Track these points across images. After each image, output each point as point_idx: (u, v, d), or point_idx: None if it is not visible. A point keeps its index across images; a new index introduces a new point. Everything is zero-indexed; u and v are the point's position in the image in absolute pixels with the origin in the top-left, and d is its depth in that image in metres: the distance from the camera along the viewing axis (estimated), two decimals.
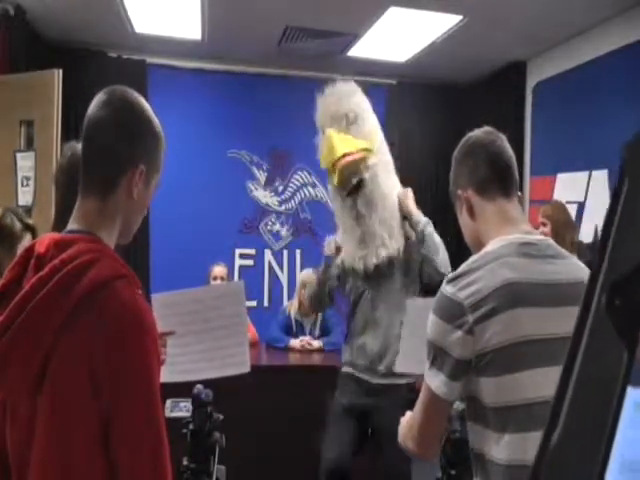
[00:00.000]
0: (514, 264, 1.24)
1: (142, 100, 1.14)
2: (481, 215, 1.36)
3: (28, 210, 3.54)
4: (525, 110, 4.95)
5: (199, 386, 1.99)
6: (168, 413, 1.89)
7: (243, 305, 2.04)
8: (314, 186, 5.40)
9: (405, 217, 2.51)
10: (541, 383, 1.19)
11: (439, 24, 4.12)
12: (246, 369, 1.99)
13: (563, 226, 3.38)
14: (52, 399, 0.97)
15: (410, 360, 2.03)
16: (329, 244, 2.62)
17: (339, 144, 2.40)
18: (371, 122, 2.53)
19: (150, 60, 4.94)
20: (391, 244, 2.43)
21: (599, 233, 3.71)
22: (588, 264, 1.39)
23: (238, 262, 5.23)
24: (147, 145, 1.11)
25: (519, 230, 1.32)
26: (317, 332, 4.01)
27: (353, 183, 2.44)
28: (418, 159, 5.43)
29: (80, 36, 4.64)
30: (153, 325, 1.04)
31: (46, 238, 1.06)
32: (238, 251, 5.23)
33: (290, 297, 4.84)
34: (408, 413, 1.39)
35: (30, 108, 3.82)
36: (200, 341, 1.95)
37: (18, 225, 1.96)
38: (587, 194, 4.11)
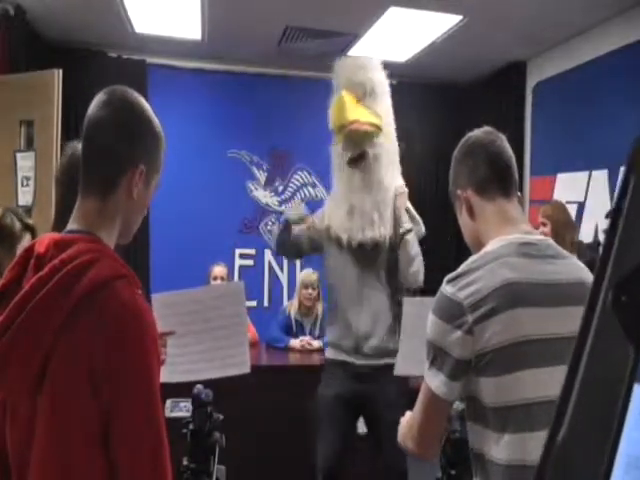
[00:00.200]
0: (514, 264, 1.24)
1: (142, 100, 1.14)
2: (481, 215, 1.36)
3: (28, 210, 3.54)
4: (525, 110, 4.95)
5: (199, 386, 1.99)
6: (168, 413, 1.89)
7: (243, 305, 2.04)
8: (314, 186, 5.40)
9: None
10: (541, 383, 1.19)
11: (439, 24, 4.11)
12: (246, 369, 1.99)
13: (563, 226, 3.38)
14: (52, 399, 0.97)
15: (410, 362, 2.03)
16: (296, 207, 2.57)
17: (351, 109, 2.36)
18: (386, 103, 2.50)
19: (150, 60, 4.94)
20: (378, 228, 2.39)
21: (599, 233, 3.73)
22: (588, 264, 1.40)
23: (238, 262, 5.23)
24: (147, 145, 1.11)
25: (519, 230, 1.32)
26: (317, 332, 4.00)
27: (355, 153, 2.41)
28: (418, 159, 5.42)
29: (80, 36, 4.64)
30: (153, 325, 1.04)
31: (46, 238, 1.06)
32: (238, 251, 5.23)
33: (290, 297, 4.84)
34: (408, 413, 1.39)
35: (30, 108, 3.81)
36: (200, 341, 1.95)
37: (18, 225, 1.96)
38: (587, 194, 4.11)
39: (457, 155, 1.42)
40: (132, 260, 4.52)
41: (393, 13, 3.93)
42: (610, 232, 0.37)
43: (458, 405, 1.73)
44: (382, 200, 2.41)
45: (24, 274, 1.03)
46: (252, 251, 5.24)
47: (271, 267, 5.32)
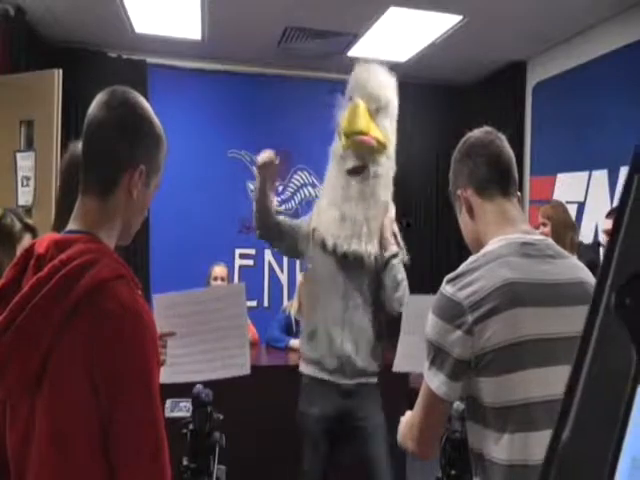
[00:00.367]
0: (514, 264, 1.24)
1: (143, 100, 1.14)
2: (481, 215, 1.36)
3: (28, 210, 3.54)
4: (525, 110, 4.95)
5: (199, 386, 1.99)
6: (168, 413, 1.89)
7: (244, 307, 2.04)
8: (314, 186, 5.40)
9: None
10: (541, 383, 1.19)
11: (439, 24, 4.12)
12: (246, 371, 1.99)
13: (563, 226, 3.38)
14: (52, 399, 0.97)
15: (408, 358, 2.03)
16: (269, 155, 2.49)
17: (365, 119, 2.34)
18: (394, 124, 2.48)
19: (150, 60, 4.94)
20: (365, 243, 2.35)
21: (599, 233, 3.71)
22: (588, 265, 1.40)
23: (238, 262, 5.23)
24: (147, 145, 1.11)
25: (519, 230, 1.32)
26: None
27: (357, 164, 2.39)
28: (418, 159, 5.43)
29: (80, 36, 4.65)
30: (152, 325, 1.04)
31: (46, 238, 1.06)
32: (238, 251, 5.23)
33: (290, 297, 4.84)
34: (408, 412, 1.39)
35: (30, 108, 3.82)
36: (201, 342, 1.95)
37: (18, 225, 1.96)
38: (587, 194, 4.11)
39: (457, 155, 1.42)
40: (132, 260, 4.52)
41: (393, 13, 3.93)
42: (613, 233, 0.37)
43: (458, 405, 1.73)
44: (374, 217, 2.38)
45: (24, 274, 1.03)
46: (252, 251, 5.24)
47: (271, 267, 5.32)
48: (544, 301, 1.22)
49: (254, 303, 5.07)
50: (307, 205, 5.39)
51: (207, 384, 2.00)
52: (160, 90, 4.84)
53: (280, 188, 5.37)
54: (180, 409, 1.95)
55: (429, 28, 4.19)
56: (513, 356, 1.19)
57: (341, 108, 2.47)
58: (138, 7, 4.01)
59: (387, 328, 2.47)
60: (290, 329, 4.00)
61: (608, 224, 3.14)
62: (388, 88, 2.45)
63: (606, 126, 3.92)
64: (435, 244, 5.62)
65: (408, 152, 5.44)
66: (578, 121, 4.24)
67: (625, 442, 0.34)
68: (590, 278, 1.31)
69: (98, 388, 0.96)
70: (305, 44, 4.66)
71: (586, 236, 3.91)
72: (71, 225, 1.09)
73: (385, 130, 2.41)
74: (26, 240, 1.90)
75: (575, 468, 0.36)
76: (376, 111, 2.39)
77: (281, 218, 2.54)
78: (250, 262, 5.25)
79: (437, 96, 5.54)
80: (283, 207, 5.36)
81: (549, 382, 1.18)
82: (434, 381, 1.23)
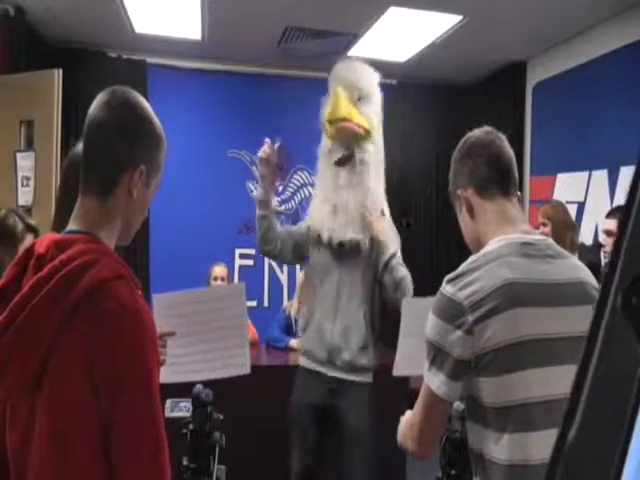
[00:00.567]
0: (514, 264, 1.24)
1: (143, 101, 1.14)
2: (481, 215, 1.36)
3: (28, 210, 3.54)
4: (525, 110, 4.95)
5: (199, 386, 1.99)
6: (168, 413, 1.89)
7: (244, 307, 2.04)
8: (314, 186, 5.38)
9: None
10: (541, 383, 1.19)
11: (439, 24, 4.11)
12: (246, 370, 1.99)
13: (563, 226, 3.38)
14: (51, 399, 0.97)
15: (409, 362, 2.03)
16: (270, 149, 2.50)
17: (346, 106, 2.36)
18: (377, 111, 2.50)
19: (150, 60, 4.94)
20: (360, 230, 2.36)
21: (599, 233, 3.71)
22: (589, 265, 1.40)
23: (238, 262, 5.23)
24: (147, 145, 1.11)
25: (519, 230, 1.32)
26: None
27: (343, 153, 2.41)
28: (418, 159, 5.43)
29: (80, 36, 4.65)
30: (152, 325, 1.04)
31: (46, 238, 1.07)
32: (238, 251, 5.23)
33: (290, 297, 4.84)
34: (408, 412, 1.39)
35: (30, 108, 3.82)
36: (201, 342, 1.95)
37: (20, 226, 1.96)
38: (587, 194, 4.11)
39: (457, 155, 1.42)
40: (132, 260, 4.52)
41: (393, 13, 3.93)
42: (619, 232, 0.37)
43: (458, 405, 1.73)
44: (364, 202, 2.38)
45: (24, 274, 1.03)
46: (252, 251, 5.24)
47: (271, 267, 5.32)
48: (544, 301, 1.22)
49: (254, 303, 5.07)
50: (307, 205, 5.39)
51: (207, 384, 2.00)
52: (160, 90, 4.83)
53: (280, 188, 5.36)
54: (180, 409, 1.95)
55: (429, 28, 4.19)
56: (513, 356, 1.19)
57: (325, 105, 2.50)
58: (138, 7, 4.01)
59: (385, 327, 2.46)
60: (290, 329, 4.00)
61: (608, 224, 3.14)
62: (369, 79, 2.47)
63: (606, 126, 3.92)
64: (435, 244, 5.62)
65: (408, 152, 5.46)
66: (578, 121, 4.24)
67: (632, 444, 0.34)
68: (590, 278, 1.31)
69: (98, 388, 0.96)
70: (305, 44, 4.66)
71: (586, 236, 3.91)
72: (71, 225, 1.09)
73: (369, 118, 2.43)
74: (28, 240, 1.91)
75: (581, 468, 0.36)
76: (358, 99, 2.42)
77: (282, 230, 2.55)
78: (250, 262, 5.25)
79: (437, 96, 5.54)
80: (283, 207, 5.36)
81: (549, 382, 1.18)
82: (434, 381, 1.23)
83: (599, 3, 3.70)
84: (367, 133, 2.41)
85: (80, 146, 1.20)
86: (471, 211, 1.37)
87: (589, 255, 3.30)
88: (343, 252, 2.40)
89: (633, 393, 0.34)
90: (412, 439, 1.33)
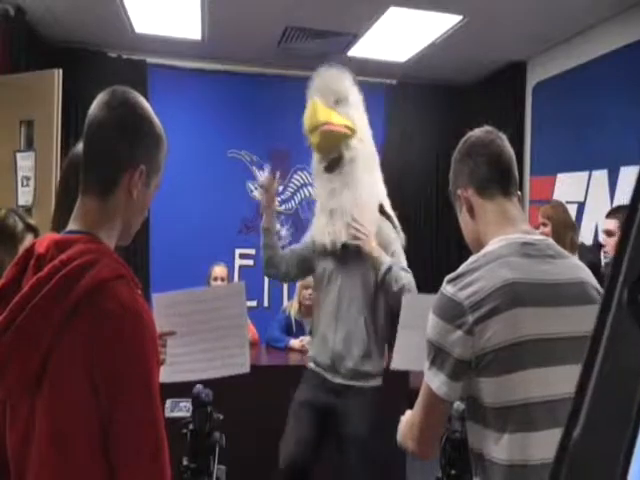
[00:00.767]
0: (514, 264, 1.24)
1: (143, 101, 1.14)
2: (481, 215, 1.36)
3: (28, 210, 3.54)
4: (525, 110, 4.95)
5: (199, 386, 1.99)
6: (168, 413, 1.89)
7: (244, 306, 2.04)
8: (314, 186, 5.40)
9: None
10: (541, 383, 1.19)
11: (439, 24, 4.12)
12: (246, 370, 1.99)
13: (563, 226, 3.38)
14: (51, 399, 0.97)
15: (406, 357, 2.03)
16: (268, 182, 2.53)
17: (323, 111, 2.38)
18: (359, 109, 2.50)
19: (150, 60, 4.95)
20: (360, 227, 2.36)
21: (599, 233, 3.71)
22: (589, 265, 1.40)
23: (238, 262, 5.23)
24: (147, 145, 1.11)
25: (519, 230, 1.32)
26: None
27: (331, 157, 2.42)
28: (418, 159, 5.43)
29: (80, 36, 4.65)
30: (152, 325, 1.04)
31: (46, 238, 1.07)
32: (238, 251, 5.23)
33: (290, 297, 4.84)
34: (408, 412, 1.39)
35: (30, 108, 3.82)
36: (201, 341, 1.95)
37: (21, 226, 1.96)
38: (587, 194, 4.11)
39: (457, 155, 1.42)
40: (132, 260, 4.52)
41: (393, 13, 3.93)
42: (624, 229, 0.37)
43: (458, 405, 1.73)
44: (360, 198, 2.39)
45: (24, 274, 1.03)
46: (252, 251, 5.24)
47: None
48: (544, 301, 1.22)
49: (254, 303, 5.07)
50: (307, 205, 5.39)
51: (207, 384, 2.00)
52: (160, 90, 4.84)
53: (280, 188, 5.36)
54: (180, 409, 1.95)
55: (429, 28, 4.19)
56: (513, 356, 1.19)
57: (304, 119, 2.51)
58: (138, 7, 4.01)
59: (393, 333, 2.46)
60: (290, 329, 4.00)
61: (608, 224, 3.14)
62: (344, 80, 2.49)
63: (606, 126, 3.92)
64: (435, 244, 5.62)
65: (408, 152, 5.46)
66: (578, 121, 4.24)
67: (638, 442, 0.34)
68: (591, 278, 1.31)
69: (98, 388, 0.96)
70: (305, 44, 4.66)
71: (586, 236, 3.91)
72: (71, 225, 1.09)
73: (350, 117, 2.44)
74: (28, 240, 1.91)
75: (586, 466, 0.36)
76: (335, 103, 2.43)
77: (286, 252, 2.60)
78: (250, 262, 5.24)
79: (437, 96, 5.54)
80: (283, 207, 5.36)
81: (549, 382, 1.18)
82: (434, 381, 1.23)
83: (599, 3, 3.70)
84: (351, 131, 2.41)
85: (80, 146, 1.20)
86: (471, 211, 1.37)
87: (589, 255, 3.30)
88: (346, 256, 2.40)
89: (639, 391, 0.34)
90: (412, 439, 1.33)
